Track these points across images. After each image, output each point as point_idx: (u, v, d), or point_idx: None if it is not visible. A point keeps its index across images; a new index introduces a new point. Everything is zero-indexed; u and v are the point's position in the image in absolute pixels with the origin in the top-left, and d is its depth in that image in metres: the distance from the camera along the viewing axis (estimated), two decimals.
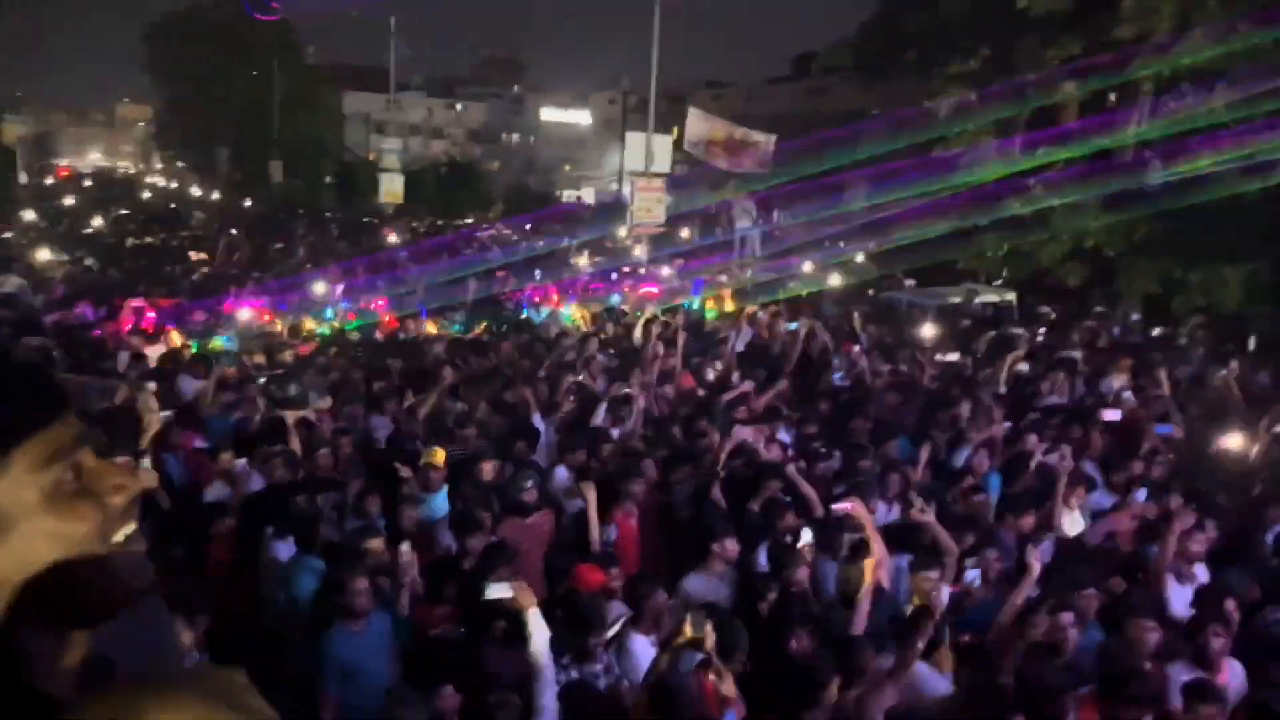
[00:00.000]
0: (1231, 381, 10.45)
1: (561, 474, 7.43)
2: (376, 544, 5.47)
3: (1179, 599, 6.06)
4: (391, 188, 38.48)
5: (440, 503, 6.59)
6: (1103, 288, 20.04)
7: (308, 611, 5.19)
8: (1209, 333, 16.54)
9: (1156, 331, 17.17)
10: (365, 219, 38.44)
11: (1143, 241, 18.90)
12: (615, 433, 8.18)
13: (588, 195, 47.59)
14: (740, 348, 12.07)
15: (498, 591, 4.40)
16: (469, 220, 43.32)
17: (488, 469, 7.05)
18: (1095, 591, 5.78)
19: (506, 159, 54.43)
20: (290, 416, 7.33)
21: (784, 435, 8.57)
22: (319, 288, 15.72)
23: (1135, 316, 18.96)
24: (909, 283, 19.61)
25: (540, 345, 12.18)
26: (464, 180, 44.76)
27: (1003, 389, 10.33)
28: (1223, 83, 18.63)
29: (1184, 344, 15.37)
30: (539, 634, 4.30)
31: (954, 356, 12.31)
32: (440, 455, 6.76)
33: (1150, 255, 18.88)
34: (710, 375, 10.83)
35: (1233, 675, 5.22)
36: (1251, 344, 14.72)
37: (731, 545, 6.04)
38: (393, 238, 29.79)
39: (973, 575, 5.93)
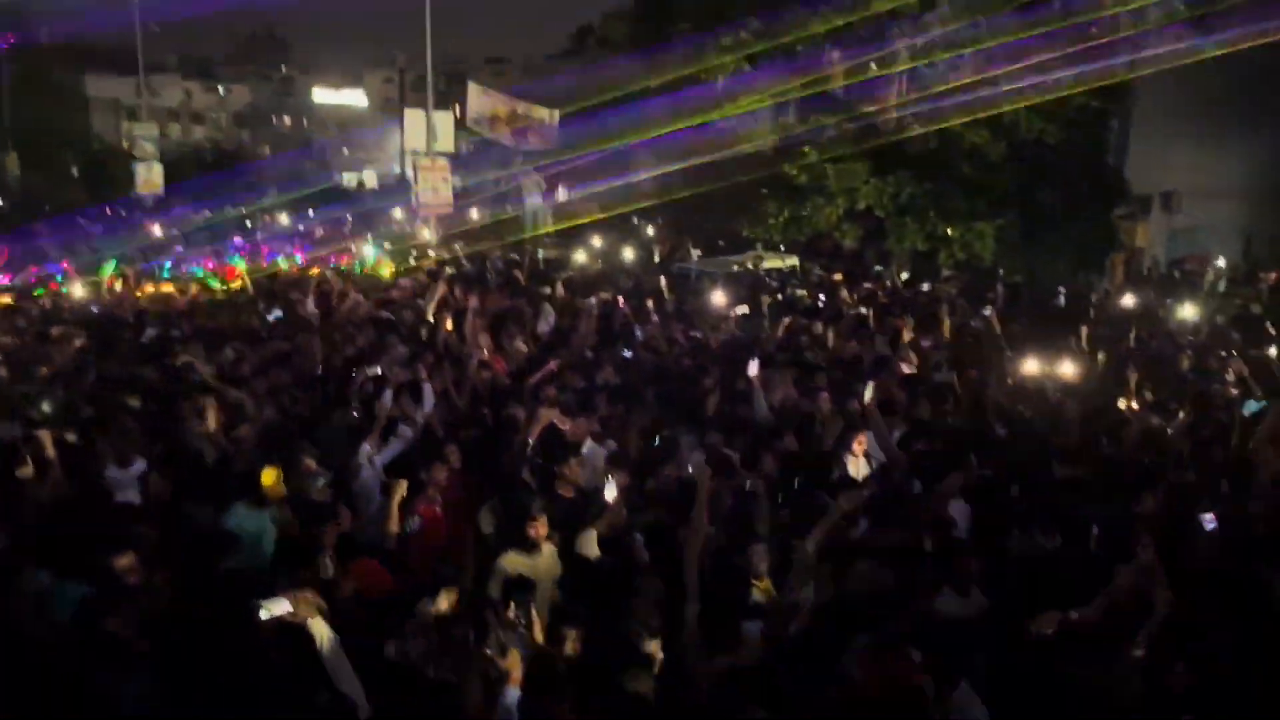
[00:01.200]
0: (994, 325, 11.34)
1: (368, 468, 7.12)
2: (125, 561, 4.96)
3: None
4: (149, 177, 35.47)
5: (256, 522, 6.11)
6: (875, 247, 21.27)
7: (69, 643, 4.65)
8: (962, 285, 17.91)
9: (925, 286, 18.32)
10: (124, 213, 35.35)
11: (908, 202, 20.17)
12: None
13: (370, 178, 45.85)
14: (545, 327, 11.95)
15: (276, 608, 4.12)
16: (241, 210, 40.74)
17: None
18: None
19: (278, 144, 51.54)
20: (46, 437, 6.47)
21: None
22: None
23: (904, 275, 20.25)
24: (696, 252, 20.05)
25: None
26: (231, 167, 42.04)
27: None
28: (966, 56, 20.15)
29: (943, 296, 16.49)
30: (325, 643, 4.19)
31: (743, 309, 12.61)
32: (271, 476, 6.31)
33: (915, 215, 20.20)
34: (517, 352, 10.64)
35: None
36: (999, 291, 16.03)
37: (543, 524, 6.00)
38: (157, 230, 27.55)
39: None
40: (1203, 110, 23.08)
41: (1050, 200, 19.96)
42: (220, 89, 65.03)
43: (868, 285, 16.85)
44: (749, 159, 22.10)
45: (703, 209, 25.69)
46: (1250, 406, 8.41)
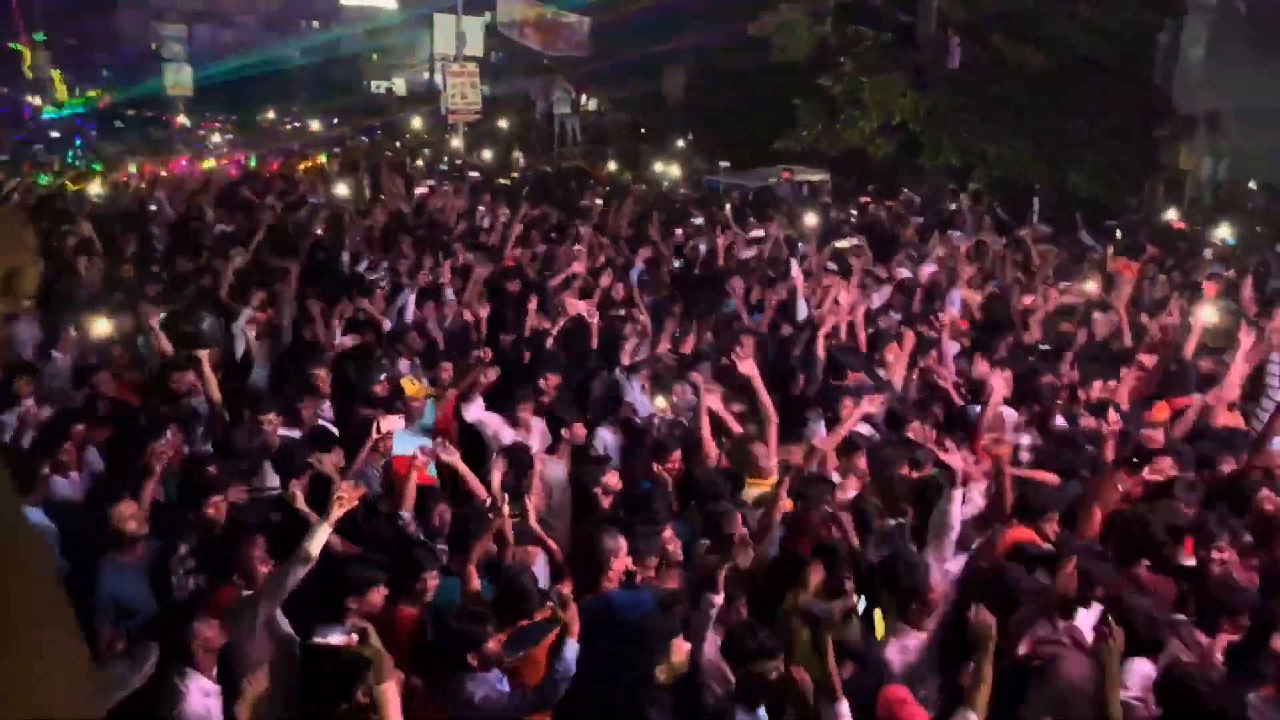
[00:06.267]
0: (1028, 244, 11.26)
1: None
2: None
3: None
4: (178, 80, 35.31)
5: None
6: (908, 164, 20.84)
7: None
8: (993, 202, 17.56)
9: (953, 206, 17.95)
10: (151, 114, 35.44)
11: (944, 117, 19.71)
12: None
13: (398, 85, 45.34)
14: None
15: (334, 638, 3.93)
16: (270, 115, 40.57)
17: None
18: None
19: (306, 48, 50.86)
20: (205, 357, 6.03)
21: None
22: None
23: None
24: (724, 165, 19.77)
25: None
26: (261, 70, 41.64)
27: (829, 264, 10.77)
28: None
29: (968, 215, 16.21)
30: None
31: (760, 232, 12.47)
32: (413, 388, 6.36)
33: (951, 131, 19.74)
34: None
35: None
36: (1035, 207, 15.75)
37: (580, 430, 6.18)
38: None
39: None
40: (1256, 29, 22.19)
41: (1090, 118, 19.44)
42: None
43: (891, 204, 16.60)
44: (783, 69, 21.61)
45: (733, 121, 25.24)
46: None
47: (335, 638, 3.72)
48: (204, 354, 6.02)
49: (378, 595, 4.24)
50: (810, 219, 13.11)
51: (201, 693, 3.82)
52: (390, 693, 3.51)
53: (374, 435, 5.48)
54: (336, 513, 4.10)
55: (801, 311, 8.60)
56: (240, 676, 4.02)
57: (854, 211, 16.06)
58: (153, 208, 12.41)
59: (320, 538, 4.06)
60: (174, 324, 6.95)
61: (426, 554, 4.67)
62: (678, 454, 5.78)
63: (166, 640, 3.78)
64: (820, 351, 7.28)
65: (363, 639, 3.58)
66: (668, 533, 4.83)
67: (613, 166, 20.04)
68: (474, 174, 18.39)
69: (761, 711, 3.90)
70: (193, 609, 4.01)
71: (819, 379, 7.11)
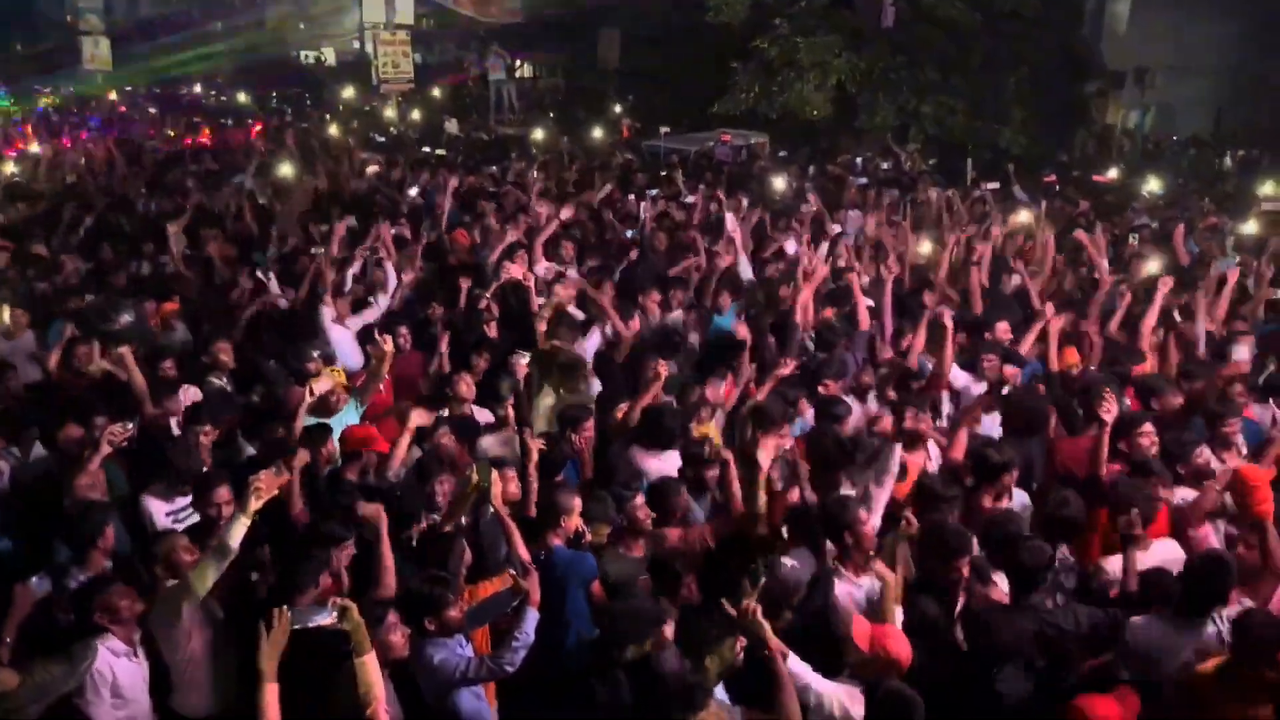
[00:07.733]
0: (957, 201, 11.43)
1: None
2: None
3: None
4: (98, 54, 33.97)
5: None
6: (846, 124, 20.94)
7: None
8: (928, 160, 17.76)
9: (886, 165, 18.07)
10: (74, 89, 34.13)
11: (881, 77, 19.81)
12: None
13: (328, 55, 44.21)
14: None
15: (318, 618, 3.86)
16: (196, 88, 39.34)
17: None
18: None
19: (230, 18, 49.30)
20: (127, 352, 5.96)
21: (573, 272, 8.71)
22: None
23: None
24: (664, 130, 19.67)
25: None
26: (183, 42, 40.32)
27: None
28: None
29: (911, 175, 16.37)
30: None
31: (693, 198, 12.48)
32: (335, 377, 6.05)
33: (887, 91, 19.87)
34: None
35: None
36: (970, 165, 15.94)
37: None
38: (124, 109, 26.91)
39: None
40: None
41: (1022, 74, 19.71)
42: None
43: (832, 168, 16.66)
44: (719, 32, 21.50)
45: (671, 84, 25.10)
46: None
47: (321, 620, 3.71)
48: (125, 350, 5.96)
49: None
50: (779, 184, 13.13)
51: (111, 653, 4.01)
52: (371, 664, 3.61)
53: (308, 399, 5.60)
54: (254, 504, 4.03)
55: (745, 270, 8.59)
56: (171, 663, 4.19)
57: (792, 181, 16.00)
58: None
59: (238, 530, 4.03)
60: (91, 318, 6.52)
61: (336, 527, 4.63)
62: (590, 423, 5.84)
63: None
64: (798, 319, 7.30)
65: (343, 616, 3.66)
66: (639, 499, 4.86)
67: (539, 135, 19.74)
68: (425, 149, 18.07)
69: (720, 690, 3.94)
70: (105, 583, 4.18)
71: (795, 344, 7.14)
